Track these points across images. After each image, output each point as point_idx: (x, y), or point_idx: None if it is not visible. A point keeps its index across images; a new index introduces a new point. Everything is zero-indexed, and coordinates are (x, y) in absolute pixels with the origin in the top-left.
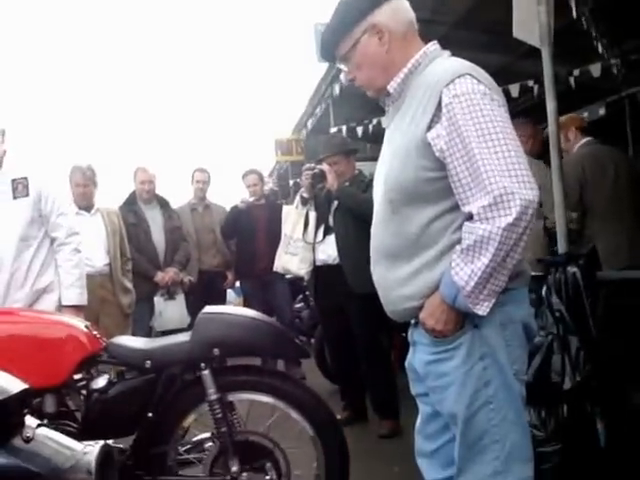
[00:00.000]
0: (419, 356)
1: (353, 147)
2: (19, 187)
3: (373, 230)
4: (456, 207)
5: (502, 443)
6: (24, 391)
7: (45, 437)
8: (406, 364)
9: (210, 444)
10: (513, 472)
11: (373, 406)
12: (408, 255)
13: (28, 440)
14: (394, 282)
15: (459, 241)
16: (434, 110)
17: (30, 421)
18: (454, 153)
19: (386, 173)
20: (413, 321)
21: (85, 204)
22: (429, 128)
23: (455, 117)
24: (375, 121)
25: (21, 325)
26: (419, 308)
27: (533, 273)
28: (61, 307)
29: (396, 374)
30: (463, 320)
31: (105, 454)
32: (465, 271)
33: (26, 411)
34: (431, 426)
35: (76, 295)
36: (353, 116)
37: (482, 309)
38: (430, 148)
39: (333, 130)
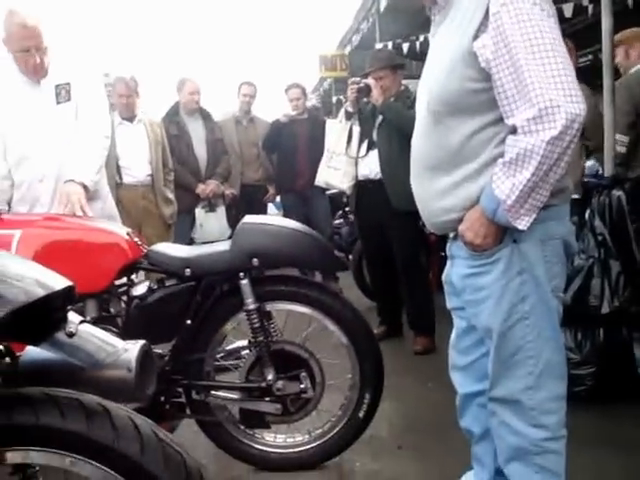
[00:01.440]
0: (457, 269)
1: (400, 62)
2: (62, 92)
3: (414, 141)
4: (500, 120)
5: (536, 359)
6: (68, 287)
7: (87, 333)
8: (443, 277)
9: (247, 352)
10: (545, 388)
11: (409, 323)
12: (449, 167)
13: (71, 335)
14: (434, 194)
15: (501, 155)
16: (481, 19)
17: (73, 317)
18: (500, 63)
19: (430, 83)
20: (452, 235)
21: (128, 115)
22: (475, 37)
23: (502, 26)
24: (422, 38)
25: (65, 231)
26: (458, 221)
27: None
28: (71, 182)
29: (433, 292)
30: (503, 235)
31: (145, 353)
32: (506, 185)
33: (69, 307)
34: (465, 340)
35: (93, 183)
36: (399, 32)
37: (522, 224)
38: (476, 58)
39: (378, 46)
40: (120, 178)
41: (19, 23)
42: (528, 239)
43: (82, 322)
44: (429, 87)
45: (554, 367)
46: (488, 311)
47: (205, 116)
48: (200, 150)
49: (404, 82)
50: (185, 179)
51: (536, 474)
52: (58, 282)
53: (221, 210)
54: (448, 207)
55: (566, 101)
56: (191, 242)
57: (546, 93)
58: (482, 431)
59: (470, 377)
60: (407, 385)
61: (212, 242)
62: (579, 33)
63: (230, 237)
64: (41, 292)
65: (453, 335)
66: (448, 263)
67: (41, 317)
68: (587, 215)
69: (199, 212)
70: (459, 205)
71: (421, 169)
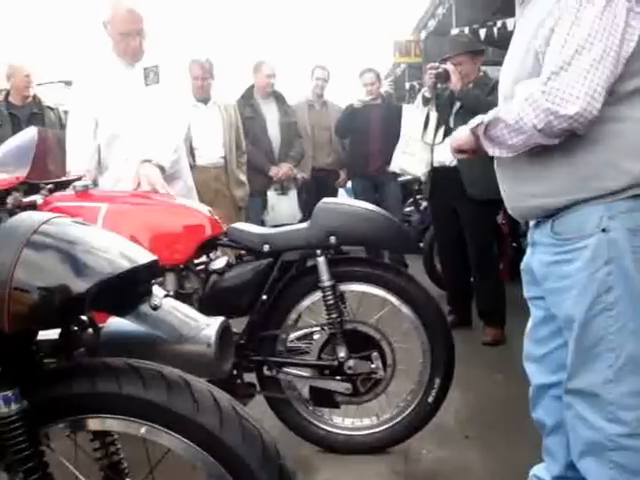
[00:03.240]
0: (539, 257)
1: (480, 47)
2: (150, 74)
3: None
4: None
5: (617, 352)
6: (153, 261)
7: (171, 307)
8: (522, 266)
9: (320, 330)
10: (626, 383)
11: (479, 313)
12: (532, 152)
13: (155, 308)
14: (516, 179)
15: (585, 141)
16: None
17: (157, 291)
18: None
19: (512, 66)
20: (533, 222)
21: (203, 97)
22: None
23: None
24: (500, 23)
25: (148, 207)
26: (541, 206)
27: None
28: (149, 163)
29: (504, 282)
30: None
31: (225, 329)
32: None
33: (153, 281)
34: (542, 330)
35: (170, 163)
36: (476, 17)
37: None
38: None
39: (454, 32)
40: (193, 160)
41: (126, 7)
42: (617, 229)
43: (166, 296)
44: (511, 70)
45: (637, 362)
46: (571, 300)
47: (279, 99)
48: (273, 132)
49: (482, 68)
50: (258, 161)
51: (610, 470)
52: (143, 256)
53: (293, 193)
54: (531, 192)
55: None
56: (262, 224)
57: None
58: (555, 423)
59: (545, 368)
60: (475, 375)
61: (283, 225)
62: None
63: (301, 221)
64: (127, 265)
65: (529, 325)
66: (528, 250)
67: (126, 289)
68: None
69: (271, 195)
70: (542, 191)
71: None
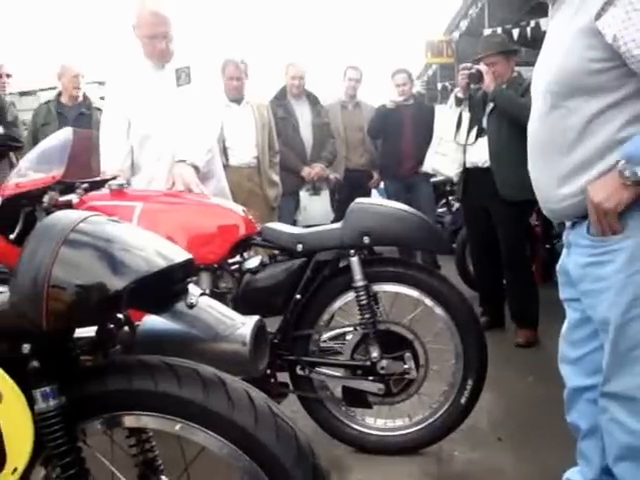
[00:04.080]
0: (575, 258)
1: (513, 47)
2: (182, 75)
3: (530, 126)
4: (621, 102)
5: None
6: (188, 260)
7: (207, 305)
8: (557, 267)
9: (353, 330)
10: None
11: (512, 314)
12: (568, 152)
13: (191, 306)
14: (552, 180)
15: (622, 139)
16: None
17: (193, 289)
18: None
19: (548, 65)
20: (569, 223)
21: (236, 97)
22: (598, 16)
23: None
24: (533, 23)
25: (183, 206)
26: (577, 206)
27: None
28: (182, 163)
29: (537, 284)
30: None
31: (260, 328)
32: None
33: (190, 280)
34: (578, 332)
35: (204, 163)
36: (509, 17)
37: None
38: (598, 38)
39: (487, 32)
40: (226, 160)
41: (150, 10)
42: None
43: (202, 294)
44: (548, 70)
45: None
46: (607, 302)
47: (312, 99)
48: (306, 133)
49: (516, 69)
50: (291, 161)
51: None
52: (179, 254)
53: (325, 194)
54: (567, 193)
55: None
56: (294, 224)
57: None
58: (590, 427)
59: (580, 371)
60: (508, 377)
61: (315, 225)
62: None
63: (333, 221)
64: (163, 263)
65: (565, 327)
66: (564, 252)
67: (162, 287)
68: None
69: (303, 195)
70: (578, 191)
71: (539, 155)
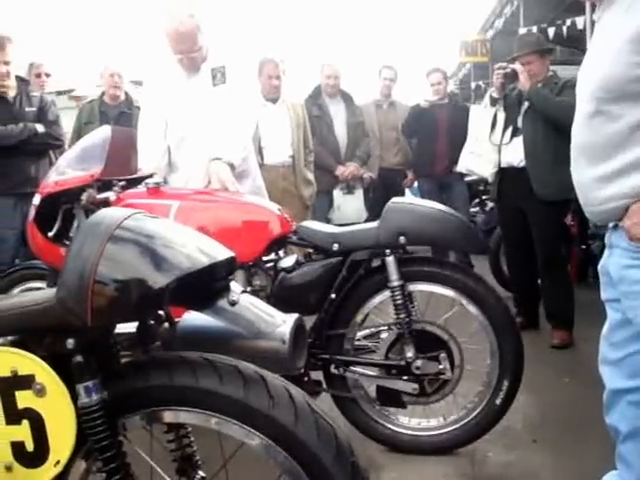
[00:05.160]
0: (615, 259)
1: (549, 47)
2: (218, 75)
3: (574, 128)
4: None
5: None
6: (230, 258)
7: (249, 302)
8: (599, 267)
9: (388, 330)
10: None
11: (547, 315)
12: (610, 155)
13: (233, 303)
14: (594, 182)
15: None
16: None
17: (235, 287)
18: None
19: (595, 70)
20: (612, 224)
21: (274, 96)
22: None
23: None
24: (569, 22)
25: (219, 204)
26: (619, 209)
27: None
28: (218, 161)
29: (572, 285)
30: None
31: (299, 326)
32: None
33: (231, 277)
34: (619, 334)
35: (240, 161)
36: (545, 16)
37: None
38: None
39: (522, 31)
40: (261, 159)
41: (173, 28)
42: None
43: (243, 292)
44: (594, 75)
45: None
46: None
47: (346, 99)
48: (340, 132)
49: (552, 68)
50: (325, 160)
51: None
52: (221, 252)
53: (359, 193)
54: (608, 196)
55: None
56: (328, 223)
57: None
58: (630, 430)
59: (621, 372)
60: (543, 379)
61: (349, 224)
62: None
63: (367, 220)
64: (205, 260)
65: (605, 327)
66: (606, 252)
67: (204, 284)
68: None
69: (337, 194)
70: (620, 193)
71: (581, 156)
